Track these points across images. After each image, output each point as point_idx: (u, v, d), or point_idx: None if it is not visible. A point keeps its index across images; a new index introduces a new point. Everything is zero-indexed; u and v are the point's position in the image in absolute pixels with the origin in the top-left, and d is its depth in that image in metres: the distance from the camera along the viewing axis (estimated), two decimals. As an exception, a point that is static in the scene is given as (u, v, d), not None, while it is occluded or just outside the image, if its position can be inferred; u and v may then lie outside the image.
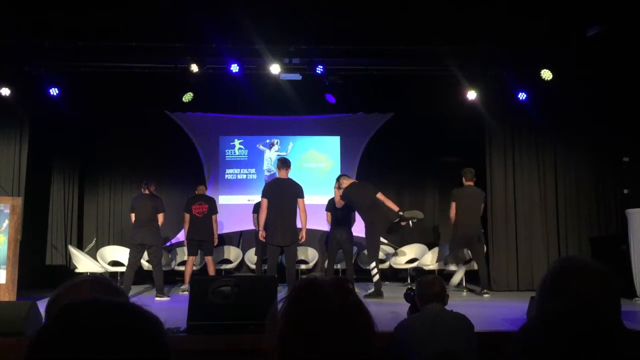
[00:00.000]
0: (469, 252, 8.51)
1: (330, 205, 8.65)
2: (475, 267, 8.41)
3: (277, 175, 7.90)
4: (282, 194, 7.57)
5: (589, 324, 0.96)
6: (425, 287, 3.38)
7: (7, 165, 8.53)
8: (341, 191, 8.10)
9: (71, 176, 10.35)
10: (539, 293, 1.52)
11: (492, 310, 6.80)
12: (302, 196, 7.62)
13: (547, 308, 1.03)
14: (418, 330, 3.17)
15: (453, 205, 8.26)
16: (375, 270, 7.79)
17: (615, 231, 8.62)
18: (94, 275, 1.73)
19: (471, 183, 8.33)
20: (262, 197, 7.63)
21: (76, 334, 0.85)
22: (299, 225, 7.68)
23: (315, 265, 10.25)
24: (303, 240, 7.80)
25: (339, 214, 8.34)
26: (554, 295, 1.45)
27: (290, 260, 7.62)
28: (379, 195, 7.85)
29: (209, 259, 8.76)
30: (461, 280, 8.45)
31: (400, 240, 10.21)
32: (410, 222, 7.97)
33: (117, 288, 1.56)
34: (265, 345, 1.14)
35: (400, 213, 7.79)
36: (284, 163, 7.79)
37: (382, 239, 10.36)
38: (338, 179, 8.31)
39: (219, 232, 9.32)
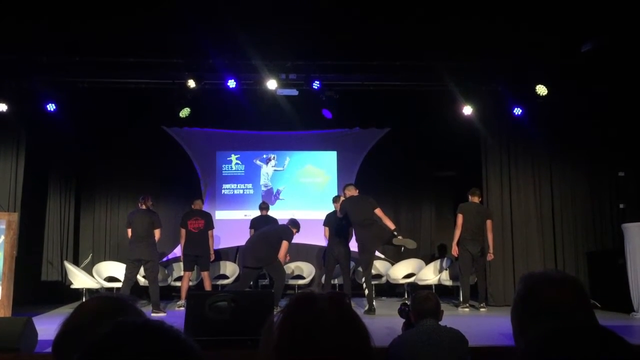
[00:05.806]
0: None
1: (328, 220, 8.65)
2: (475, 280, 8.40)
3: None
4: (267, 230, 8.23)
5: (589, 340, 0.95)
6: (420, 303, 3.37)
7: (3, 181, 8.51)
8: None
9: (67, 191, 10.31)
10: (515, 320, 1.48)
11: (489, 324, 6.78)
12: (288, 240, 7.96)
13: (532, 333, 1.02)
14: (412, 346, 3.16)
15: (460, 217, 8.25)
16: (364, 285, 7.79)
17: (611, 246, 8.60)
18: (111, 294, 1.70)
19: (476, 200, 8.38)
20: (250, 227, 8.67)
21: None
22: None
23: (312, 280, 10.21)
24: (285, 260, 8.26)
25: (337, 228, 8.32)
26: (532, 318, 1.42)
27: (275, 276, 8.01)
28: (377, 211, 7.79)
29: (205, 274, 8.73)
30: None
31: (397, 255, 10.19)
32: (401, 248, 7.99)
33: (137, 309, 1.47)
34: (259, 359, 1.14)
35: (395, 233, 7.77)
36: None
37: (378, 254, 10.36)
38: (344, 188, 8.35)
39: (216, 247, 9.30)
